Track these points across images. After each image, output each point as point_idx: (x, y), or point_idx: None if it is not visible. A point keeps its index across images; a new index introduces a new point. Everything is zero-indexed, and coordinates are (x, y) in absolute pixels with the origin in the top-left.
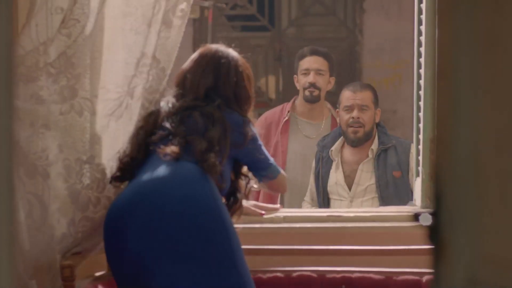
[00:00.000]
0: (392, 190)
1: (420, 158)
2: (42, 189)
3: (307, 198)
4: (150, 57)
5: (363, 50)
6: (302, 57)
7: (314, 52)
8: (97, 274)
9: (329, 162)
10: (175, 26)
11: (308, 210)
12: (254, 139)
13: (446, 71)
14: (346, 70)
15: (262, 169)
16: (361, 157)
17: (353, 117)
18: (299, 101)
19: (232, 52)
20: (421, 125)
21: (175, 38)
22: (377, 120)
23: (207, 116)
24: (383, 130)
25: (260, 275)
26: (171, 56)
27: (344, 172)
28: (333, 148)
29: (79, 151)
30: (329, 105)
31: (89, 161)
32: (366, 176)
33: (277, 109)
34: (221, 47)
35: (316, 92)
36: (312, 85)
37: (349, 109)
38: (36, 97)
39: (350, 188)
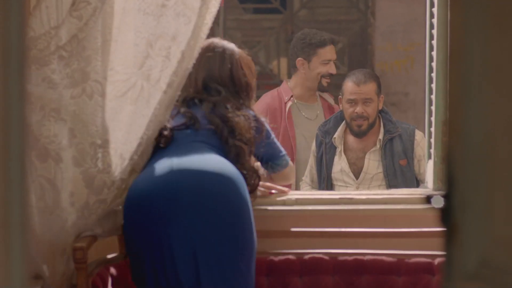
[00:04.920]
0: (400, 179)
1: (432, 140)
2: (54, 173)
3: (307, 178)
4: (169, 40)
5: (375, 32)
6: (322, 45)
7: (332, 41)
8: (109, 256)
9: (332, 148)
10: (195, 8)
11: (320, 192)
12: (268, 132)
13: (458, 54)
14: (357, 52)
15: (276, 159)
16: (366, 144)
17: (356, 112)
18: (301, 86)
19: (228, 43)
20: (433, 108)
21: (196, 20)
22: (380, 107)
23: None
24: (387, 117)
25: (272, 257)
26: (193, 40)
27: (348, 160)
28: (336, 135)
29: (93, 135)
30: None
31: (103, 145)
32: (373, 165)
33: (273, 94)
34: (215, 40)
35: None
36: (330, 75)
37: (353, 102)
38: (48, 80)
39: (355, 176)
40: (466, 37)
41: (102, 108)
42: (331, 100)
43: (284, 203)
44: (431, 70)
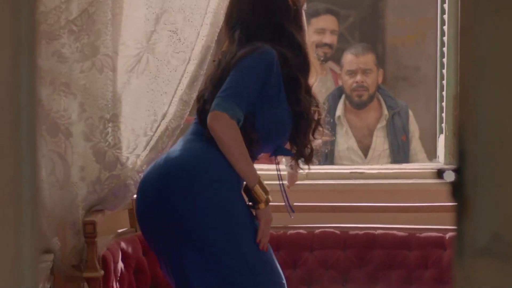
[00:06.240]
0: (402, 155)
1: (444, 115)
2: (65, 147)
3: None
4: (175, 14)
5: (386, 6)
6: (315, 14)
7: (328, 11)
8: (120, 230)
9: (334, 126)
10: None
11: (331, 167)
12: (241, 63)
13: (469, 28)
14: (369, 27)
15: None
16: (369, 121)
17: (357, 82)
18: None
19: None
20: (444, 82)
21: None
22: (380, 82)
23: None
24: (385, 93)
25: (283, 231)
26: (209, 15)
27: (355, 138)
28: (339, 113)
29: (102, 109)
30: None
31: (112, 119)
32: (380, 141)
33: None
34: None
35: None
36: (328, 45)
37: (353, 73)
38: (58, 55)
39: (363, 153)
40: (477, 11)
41: (112, 82)
42: (337, 70)
43: None
44: (442, 45)
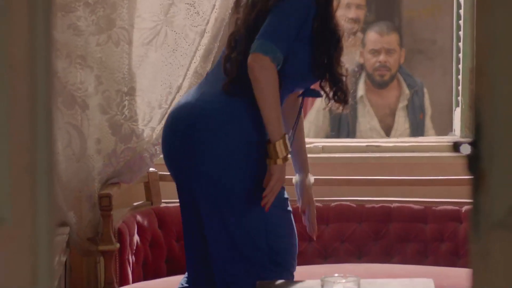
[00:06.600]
0: (420, 134)
1: (460, 88)
2: (81, 120)
3: None
4: None
5: None
6: None
7: None
8: (135, 203)
9: (354, 105)
10: None
11: (347, 140)
12: (281, 5)
13: (486, 0)
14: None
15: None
16: (390, 100)
17: (380, 61)
18: None
19: None
20: (460, 55)
21: None
22: (401, 61)
23: None
24: (405, 72)
25: (299, 205)
26: None
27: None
28: (361, 93)
29: (119, 82)
30: None
31: (129, 92)
32: (401, 121)
33: None
34: None
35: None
36: (354, 20)
37: (376, 52)
38: (74, 27)
39: (386, 133)
40: None
41: (128, 55)
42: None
43: (310, 151)
44: (458, 18)
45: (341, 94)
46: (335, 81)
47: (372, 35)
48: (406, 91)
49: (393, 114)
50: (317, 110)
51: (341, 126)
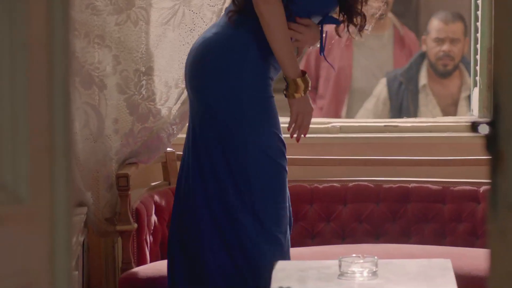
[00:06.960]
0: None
1: (478, 68)
2: (99, 100)
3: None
4: None
5: None
6: None
7: None
8: (153, 183)
9: (416, 94)
10: None
11: (365, 120)
12: None
13: None
14: None
15: None
16: (452, 90)
17: (443, 51)
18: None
19: None
20: (478, 35)
21: None
22: (465, 51)
23: None
24: (466, 61)
25: (316, 185)
26: None
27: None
28: (424, 82)
29: (137, 62)
30: (391, 15)
31: (147, 72)
32: (463, 112)
33: None
34: None
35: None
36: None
37: (440, 41)
38: (92, 7)
39: None
40: None
41: (147, 34)
42: (400, 27)
43: (328, 131)
44: None
45: (358, 18)
46: (350, 4)
47: (436, 23)
48: (468, 80)
49: (455, 104)
50: (377, 98)
51: (401, 115)
